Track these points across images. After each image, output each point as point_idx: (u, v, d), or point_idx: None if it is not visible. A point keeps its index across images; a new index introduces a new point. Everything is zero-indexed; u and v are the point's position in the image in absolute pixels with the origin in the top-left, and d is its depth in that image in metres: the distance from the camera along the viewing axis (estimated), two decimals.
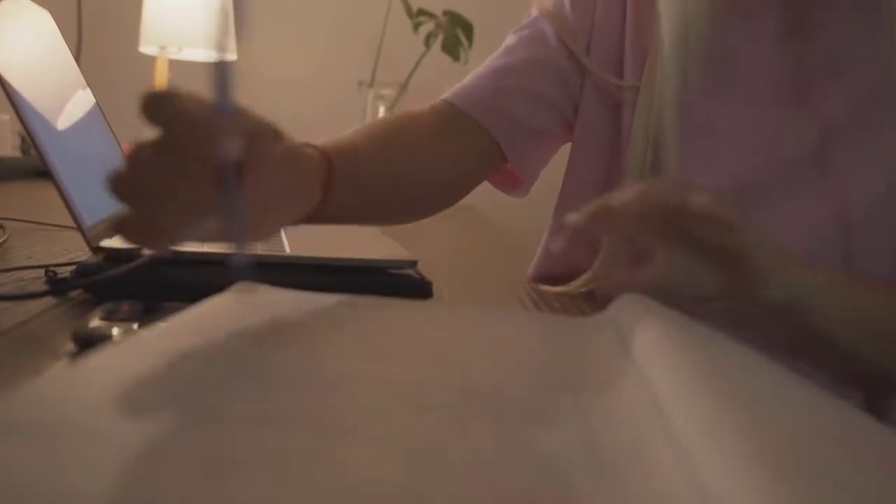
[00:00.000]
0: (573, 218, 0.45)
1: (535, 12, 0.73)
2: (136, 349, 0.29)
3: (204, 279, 0.48)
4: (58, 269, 0.52)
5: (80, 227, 0.51)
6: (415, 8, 1.62)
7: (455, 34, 1.58)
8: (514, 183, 0.74)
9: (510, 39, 0.72)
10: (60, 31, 0.71)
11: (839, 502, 0.19)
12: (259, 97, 2.14)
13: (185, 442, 0.21)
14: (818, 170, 0.62)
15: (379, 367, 0.30)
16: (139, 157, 0.36)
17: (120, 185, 0.36)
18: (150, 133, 0.36)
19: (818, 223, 0.61)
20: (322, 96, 1.96)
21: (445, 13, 1.62)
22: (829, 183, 0.61)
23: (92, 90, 0.77)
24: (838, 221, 0.60)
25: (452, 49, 1.58)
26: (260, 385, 0.27)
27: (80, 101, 0.69)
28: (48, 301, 0.48)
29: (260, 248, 0.55)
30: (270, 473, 0.20)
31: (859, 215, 0.60)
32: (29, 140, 0.52)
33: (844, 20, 0.62)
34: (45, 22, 0.67)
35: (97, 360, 0.27)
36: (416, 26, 1.62)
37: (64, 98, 0.63)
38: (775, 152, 0.63)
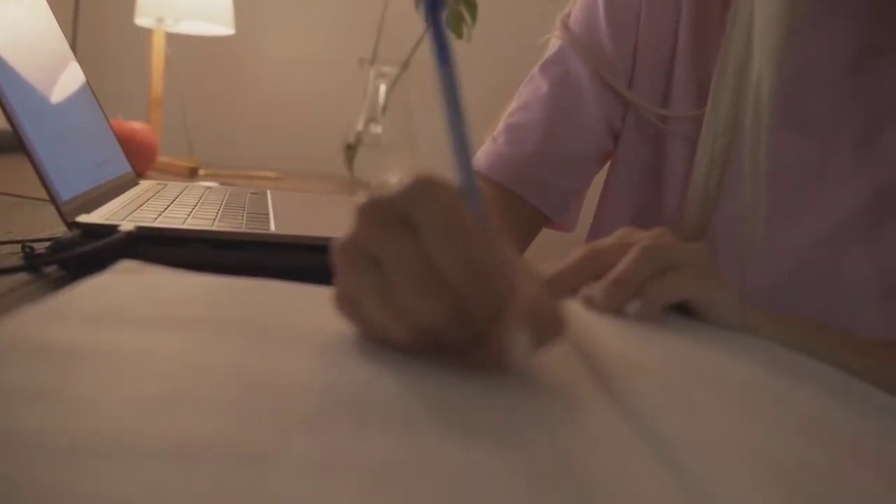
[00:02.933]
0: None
1: (558, 40, 0.67)
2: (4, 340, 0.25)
3: (182, 256, 0.46)
4: (35, 245, 0.50)
5: (54, 202, 0.49)
6: None
7: (459, 11, 1.54)
8: (558, 228, 0.72)
9: (541, 82, 0.67)
10: (56, 2, 0.68)
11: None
12: (260, 74, 2.12)
13: (71, 483, 0.17)
14: (867, 233, 0.58)
15: (296, 366, 0.26)
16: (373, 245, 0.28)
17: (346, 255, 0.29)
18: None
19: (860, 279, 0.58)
20: (323, 73, 1.93)
21: None
22: (878, 246, 0.58)
23: (87, 63, 0.75)
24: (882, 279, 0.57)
25: (456, 26, 1.54)
26: (150, 394, 0.22)
27: (65, 74, 0.67)
28: (23, 277, 0.46)
29: (245, 227, 0.53)
30: None
31: None
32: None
33: None
34: None
35: None
36: (419, 2, 1.59)
37: (49, 70, 0.61)
38: (832, 201, 0.59)
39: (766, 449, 0.22)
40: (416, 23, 1.64)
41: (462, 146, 0.27)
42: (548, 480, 0.20)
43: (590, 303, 0.38)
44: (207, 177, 1.38)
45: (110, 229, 0.47)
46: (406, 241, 0.27)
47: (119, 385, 0.23)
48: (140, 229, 0.47)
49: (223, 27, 1.62)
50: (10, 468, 0.17)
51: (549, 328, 0.26)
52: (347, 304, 0.30)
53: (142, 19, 1.58)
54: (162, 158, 1.38)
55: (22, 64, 0.54)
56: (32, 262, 0.47)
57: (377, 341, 0.29)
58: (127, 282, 0.35)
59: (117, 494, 0.16)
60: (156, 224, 0.50)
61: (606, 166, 0.71)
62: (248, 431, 0.20)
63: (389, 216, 0.27)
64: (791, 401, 0.29)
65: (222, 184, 1.12)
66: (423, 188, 0.27)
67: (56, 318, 0.28)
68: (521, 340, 0.25)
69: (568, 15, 0.68)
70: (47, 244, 0.49)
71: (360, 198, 0.29)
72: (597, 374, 0.29)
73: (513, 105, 0.68)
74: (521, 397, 0.26)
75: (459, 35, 1.54)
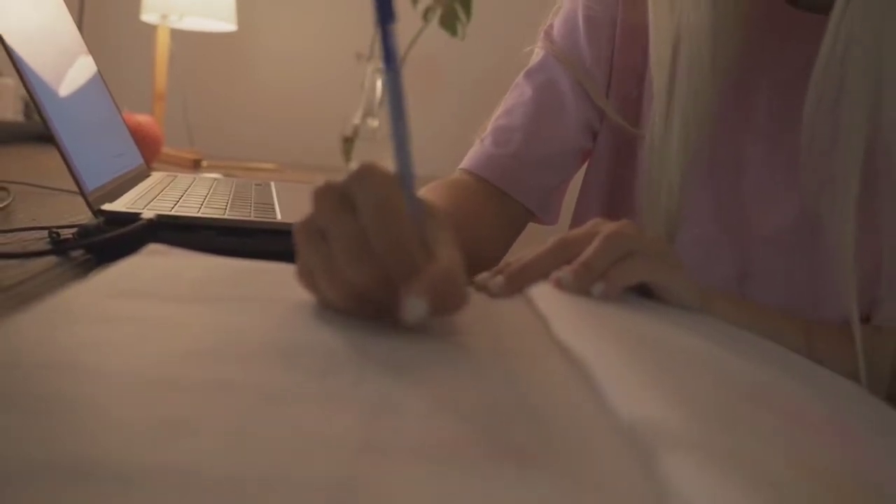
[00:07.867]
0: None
1: (541, 49, 0.71)
2: (48, 315, 0.29)
3: (202, 242, 0.50)
4: (60, 231, 0.54)
5: (81, 191, 0.54)
6: None
7: (453, 9, 1.59)
8: (542, 222, 0.77)
9: (525, 88, 0.71)
10: None
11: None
12: (261, 69, 2.16)
13: (129, 405, 0.22)
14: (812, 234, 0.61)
15: (303, 330, 0.31)
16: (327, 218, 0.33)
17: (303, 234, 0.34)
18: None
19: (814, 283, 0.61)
20: (320, 69, 1.98)
21: None
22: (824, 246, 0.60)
23: (93, 58, 0.79)
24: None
25: (450, 24, 1.59)
26: (183, 349, 0.27)
27: (81, 67, 0.70)
28: (50, 261, 0.50)
29: (253, 215, 0.57)
30: (225, 433, 0.21)
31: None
32: (32, 105, 0.54)
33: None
34: None
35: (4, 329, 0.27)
36: (415, 0, 1.63)
37: (65, 64, 0.65)
38: (796, 199, 0.61)
39: (688, 390, 0.28)
40: (411, 19, 1.69)
41: (401, 139, 0.33)
42: (506, 415, 0.25)
43: (560, 284, 0.43)
44: (210, 168, 1.43)
45: (133, 217, 0.51)
46: (346, 217, 0.32)
47: (156, 342, 0.28)
48: (160, 217, 0.52)
49: (225, 24, 1.67)
50: (86, 390, 0.22)
51: (452, 299, 0.32)
52: (305, 276, 0.35)
53: (147, 15, 1.63)
54: (165, 150, 1.43)
55: (45, 60, 0.57)
56: (60, 246, 0.52)
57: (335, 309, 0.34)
58: (156, 263, 0.40)
59: (174, 415, 0.21)
60: (174, 212, 0.54)
61: (586, 165, 0.76)
62: (270, 376, 0.26)
63: (337, 197, 0.33)
64: (719, 360, 0.34)
65: (225, 175, 1.17)
66: (364, 173, 0.33)
67: (97, 293, 0.33)
68: (413, 304, 0.30)
69: (550, 26, 0.72)
70: (72, 230, 0.54)
71: (316, 183, 0.34)
72: (558, 340, 0.34)
73: (499, 110, 0.73)
74: (489, 356, 0.31)
75: (454, 32, 1.58)
